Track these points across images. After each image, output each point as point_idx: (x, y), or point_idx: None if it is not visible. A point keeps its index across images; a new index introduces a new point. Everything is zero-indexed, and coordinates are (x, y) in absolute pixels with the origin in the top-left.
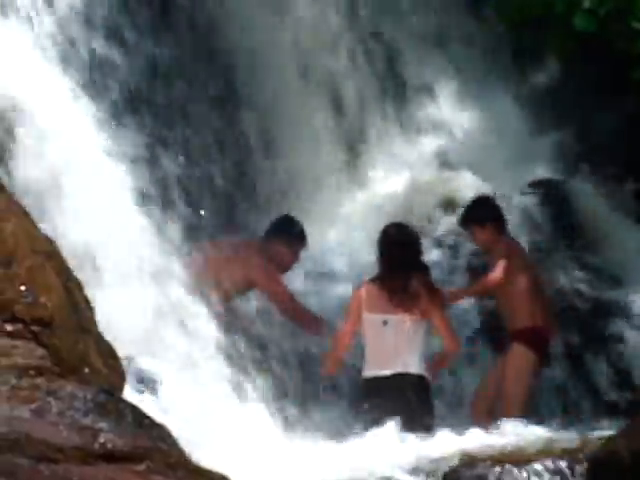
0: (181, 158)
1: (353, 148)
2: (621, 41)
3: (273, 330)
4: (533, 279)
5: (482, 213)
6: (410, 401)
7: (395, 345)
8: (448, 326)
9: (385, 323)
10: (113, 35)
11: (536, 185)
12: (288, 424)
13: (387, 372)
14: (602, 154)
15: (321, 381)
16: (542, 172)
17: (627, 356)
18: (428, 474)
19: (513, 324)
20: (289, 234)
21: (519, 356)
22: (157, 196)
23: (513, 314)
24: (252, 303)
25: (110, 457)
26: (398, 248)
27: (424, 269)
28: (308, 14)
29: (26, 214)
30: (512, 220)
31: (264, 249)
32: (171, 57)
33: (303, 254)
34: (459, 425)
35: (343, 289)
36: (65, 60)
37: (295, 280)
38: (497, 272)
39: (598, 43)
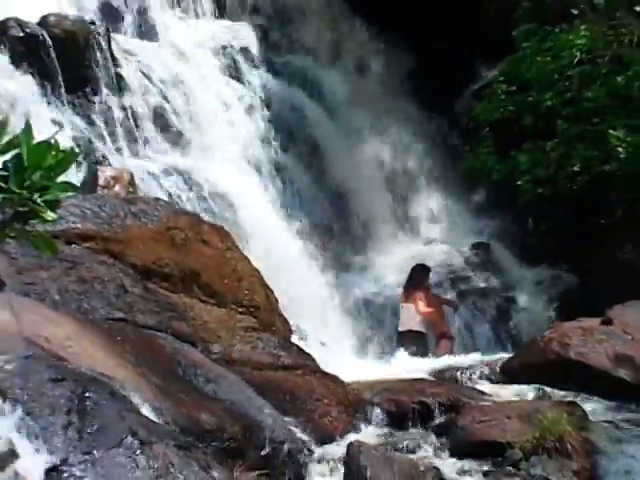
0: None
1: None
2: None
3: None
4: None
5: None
6: (416, 343)
7: (407, 317)
8: (428, 312)
9: (402, 307)
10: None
11: (477, 245)
12: (364, 352)
13: (405, 329)
14: (509, 232)
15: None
16: (481, 238)
17: (510, 312)
18: (428, 374)
19: (439, 329)
20: None
21: (446, 343)
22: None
23: (439, 325)
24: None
25: (285, 368)
26: (414, 274)
27: (427, 286)
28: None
29: (245, 257)
30: (463, 260)
31: None
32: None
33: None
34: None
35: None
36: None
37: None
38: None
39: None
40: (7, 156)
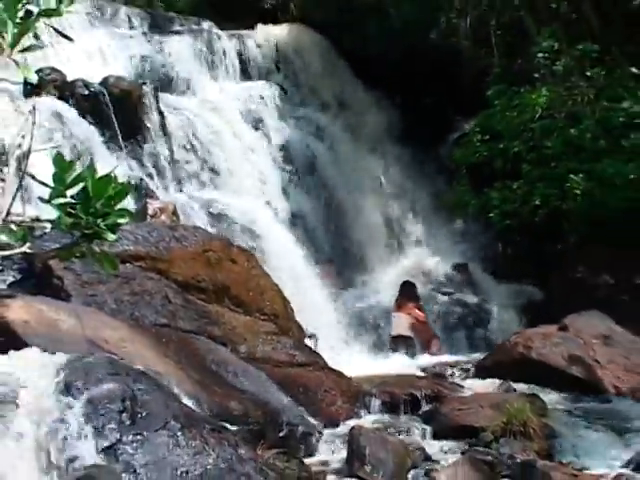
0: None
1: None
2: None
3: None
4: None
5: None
6: (405, 345)
7: (398, 324)
8: (418, 318)
9: (394, 316)
10: None
11: (457, 266)
12: (364, 352)
13: (396, 333)
14: (484, 255)
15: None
16: (460, 260)
17: (484, 320)
18: (417, 370)
19: (428, 333)
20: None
21: (436, 342)
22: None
23: (427, 329)
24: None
25: (300, 365)
26: (404, 289)
27: (415, 298)
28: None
29: (268, 275)
30: (446, 278)
31: None
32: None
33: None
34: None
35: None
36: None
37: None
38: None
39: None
40: (76, 188)
